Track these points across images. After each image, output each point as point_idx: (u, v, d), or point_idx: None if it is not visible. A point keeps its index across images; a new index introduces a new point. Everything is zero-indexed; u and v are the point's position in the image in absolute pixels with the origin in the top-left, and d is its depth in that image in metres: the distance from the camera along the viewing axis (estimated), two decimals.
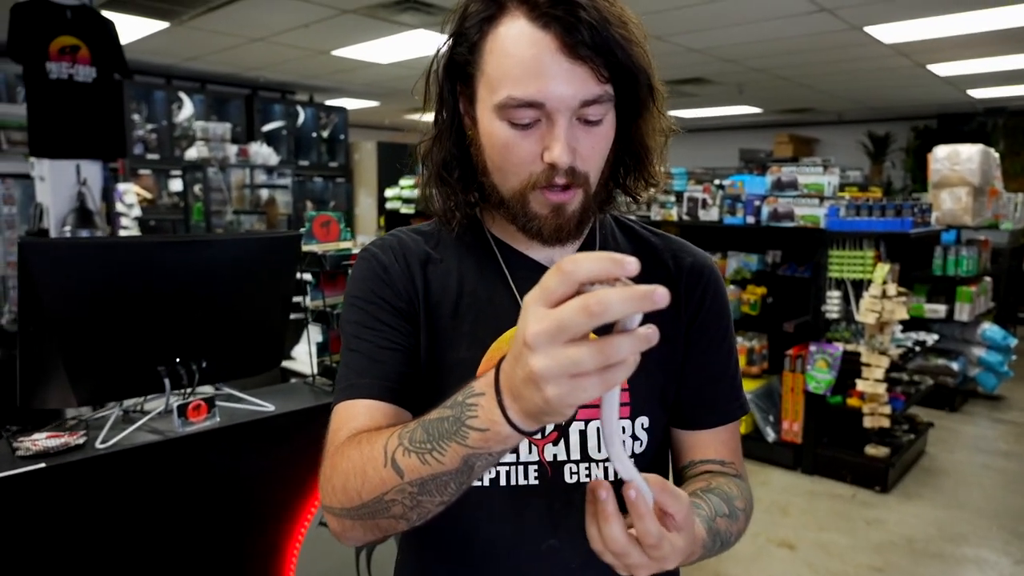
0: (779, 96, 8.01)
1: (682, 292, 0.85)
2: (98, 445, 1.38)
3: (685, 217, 4.45)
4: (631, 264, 0.46)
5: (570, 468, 0.79)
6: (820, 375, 3.83)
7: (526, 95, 0.68)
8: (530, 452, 0.79)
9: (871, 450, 3.82)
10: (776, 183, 4.08)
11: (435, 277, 0.82)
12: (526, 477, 0.78)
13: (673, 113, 0.85)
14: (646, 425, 0.81)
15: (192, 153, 5.50)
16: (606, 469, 0.79)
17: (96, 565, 1.38)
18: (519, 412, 0.51)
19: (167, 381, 1.48)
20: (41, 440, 1.33)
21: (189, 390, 1.53)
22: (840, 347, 3.81)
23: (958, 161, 4.76)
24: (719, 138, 10.89)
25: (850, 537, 3.27)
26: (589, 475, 0.79)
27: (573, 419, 0.79)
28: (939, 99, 8.15)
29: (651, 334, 0.47)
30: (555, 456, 0.79)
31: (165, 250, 1.45)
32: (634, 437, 0.81)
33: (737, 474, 0.86)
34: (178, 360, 1.50)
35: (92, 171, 3.77)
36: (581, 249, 0.84)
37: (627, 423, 0.80)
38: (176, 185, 6.43)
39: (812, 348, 3.87)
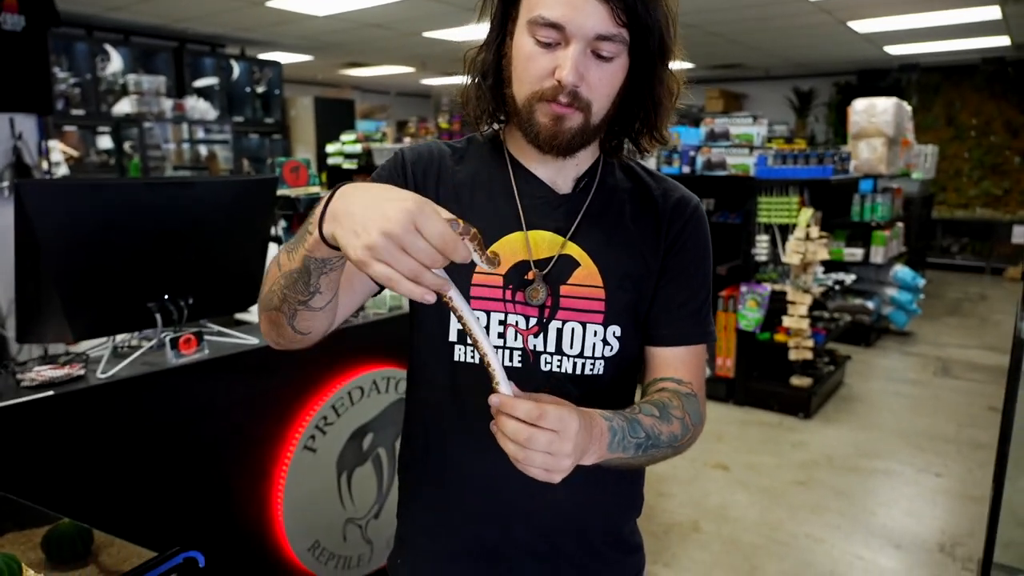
0: (710, 52, 8.25)
1: (665, 224, 0.97)
2: (99, 375, 1.46)
3: None
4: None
5: (545, 358, 0.93)
6: (750, 314, 4.12)
7: (552, 16, 0.80)
8: (515, 340, 0.93)
9: (795, 381, 4.16)
10: (710, 134, 4.30)
11: (449, 187, 0.97)
12: (511, 360, 0.94)
13: None
14: (617, 334, 0.94)
15: (124, 107, 5.32)
16: (574, 364, 0.93)
17: (97, 486, 1.48)
18: (329, 228, 0.68)
19: (159, 316, 1.56)
20: (45, 371, 1.41)
21: (178, 325, 1.61)
22: (768, 287, 4.11)
23: (874, 113, 5.09)
24: None
25: (777, 458, 3.60)
26: (560, 366, 0.93)
27: (552, 318, 0.93)
28: (859, 56, 8.56)
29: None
30: (535, 347, 0.94)
31: (152, 190, 1.52)
32: (605, 342, 0.94)
33: (691, 392, 0.95)
34: (167, 297, 1.58)
35: (27, 125, 3.66)
36: (582, 178, 0.96)
37: (600, 328, 0.95)
38: (105, 142, 6.21)
39: (743, 289, 4.15)
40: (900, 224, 5.69)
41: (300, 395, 1.83)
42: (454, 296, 0.68)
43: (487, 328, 0.93)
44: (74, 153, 6.10)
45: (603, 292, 0.93)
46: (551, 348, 0.93)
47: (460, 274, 0.93)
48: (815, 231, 3.91)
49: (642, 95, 0.91)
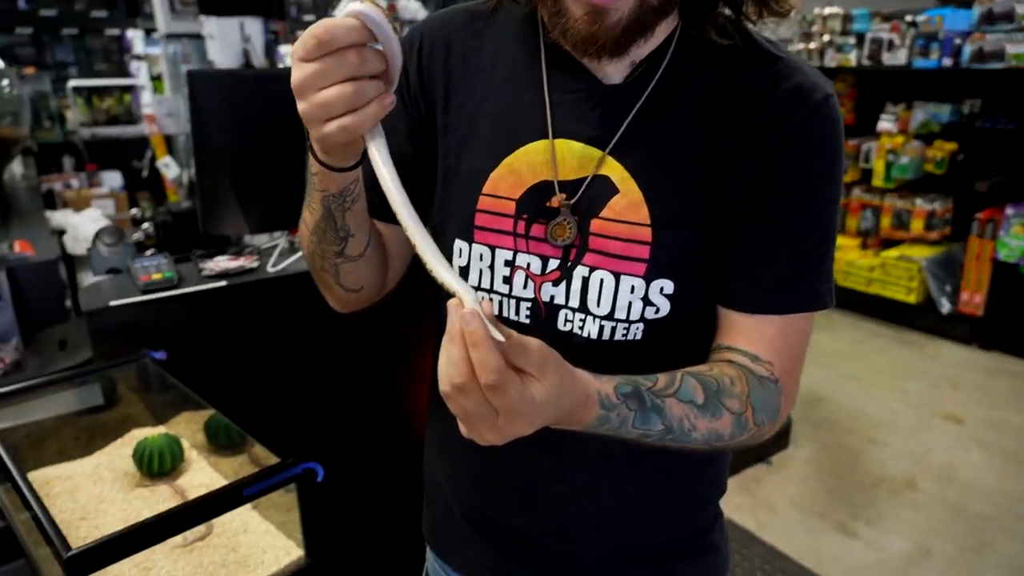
0: None
1: (760, 129, 0.64)
2: (269, 269, 1.49)
3: (865, 62, 3.95)
4: None
5: (565, 314, 0.69)
6: (1014, 242, 3.40)
7: None
8: (525, 287, 0.70)
9: None
10: (985, 16, 3.47)
11: (459, 73, 0.73)
12: (517, 313, 0.70)
13: None
14: (668, 291, 0.66)
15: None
16: (602, 327, 0.68)
17: (263, 373, 1.53)
18: (314, 142, 0.60)
19: None
20: (222, 262, 1.47)
21: None
22: None
23: None
24: None
25: None
26: (583, 327, 0.68)
27: (578, 263, 0.67)
28: None
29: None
30: (552, 298, 0.69)
31: None
32: (647, 301, 0.66)
33: (771, 376, 0.67)
34: None
35: (254, 28, 3.91)
36: (644, 61, 0.67)
37: (640, 282, 0.66)
38: None
39: (1009, 211, 3.41)
40: None
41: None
42: (372, 148, 0.56)
43: (491, 267, 0.71)
44: None
45: (649, 232, 0.65)
46: (573, 302, 0.68)
47: (465, 200, 0.71)
48: None
49: None
